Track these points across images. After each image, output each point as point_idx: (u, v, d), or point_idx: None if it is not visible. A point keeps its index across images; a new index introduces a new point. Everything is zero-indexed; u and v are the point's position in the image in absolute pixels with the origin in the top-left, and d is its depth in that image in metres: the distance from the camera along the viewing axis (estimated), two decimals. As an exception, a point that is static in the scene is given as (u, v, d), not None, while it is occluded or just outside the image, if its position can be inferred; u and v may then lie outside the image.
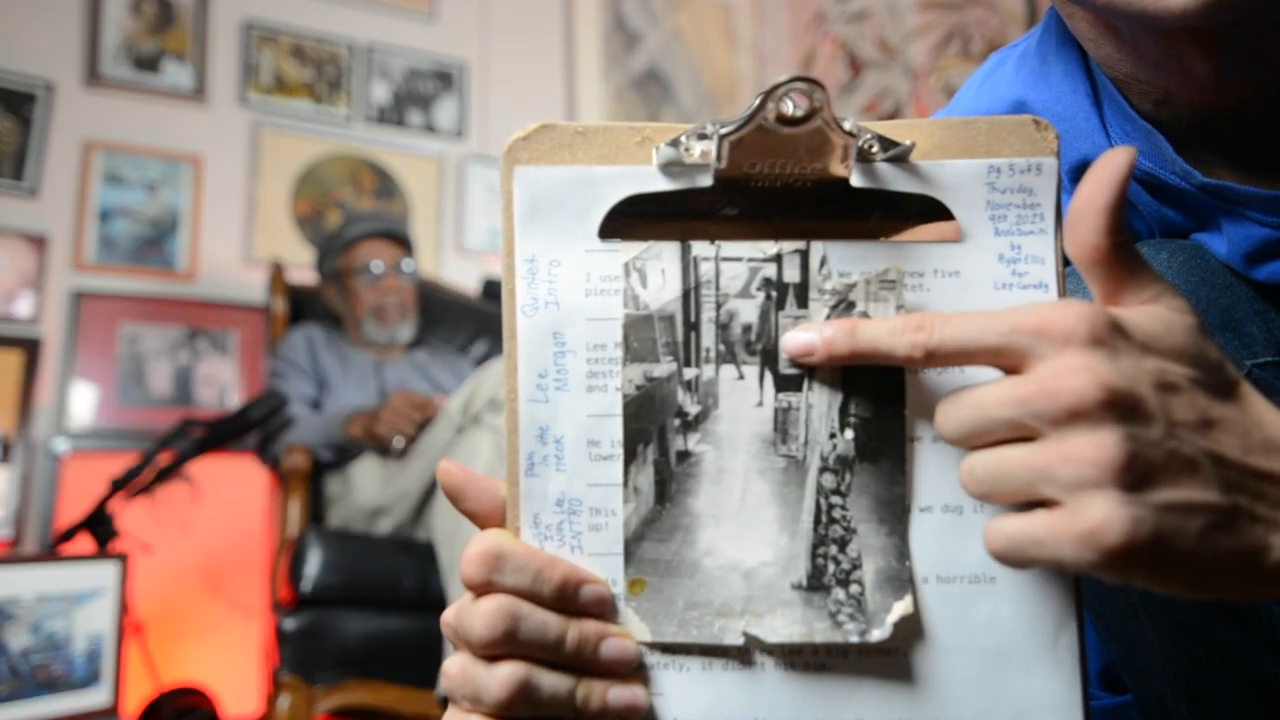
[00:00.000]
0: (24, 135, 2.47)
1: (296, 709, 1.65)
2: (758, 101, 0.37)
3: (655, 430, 0.40)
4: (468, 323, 2.46)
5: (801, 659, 0.39)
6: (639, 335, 0.40)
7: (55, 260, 2.48)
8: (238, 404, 2.44)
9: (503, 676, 0.37)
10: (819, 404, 0.40)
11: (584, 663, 0.38)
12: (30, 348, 2.40)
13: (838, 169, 0.40)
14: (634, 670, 0.39)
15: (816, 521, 0.39)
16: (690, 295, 0.40)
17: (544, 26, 3.23)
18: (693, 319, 0.40)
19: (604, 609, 0.39)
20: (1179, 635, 0.52)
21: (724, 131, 0.38)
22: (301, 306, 2.31)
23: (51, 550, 1.98)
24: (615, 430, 0.40)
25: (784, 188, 0.41)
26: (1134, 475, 0.32)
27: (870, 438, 0.40)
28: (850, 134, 0.39)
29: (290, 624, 1.70)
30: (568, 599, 0.38)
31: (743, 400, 0.40)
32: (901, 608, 0.39)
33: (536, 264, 0.40)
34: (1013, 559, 0.35)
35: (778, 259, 0.40)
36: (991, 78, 0.64)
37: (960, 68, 2.71)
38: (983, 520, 0.39)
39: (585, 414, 0.40)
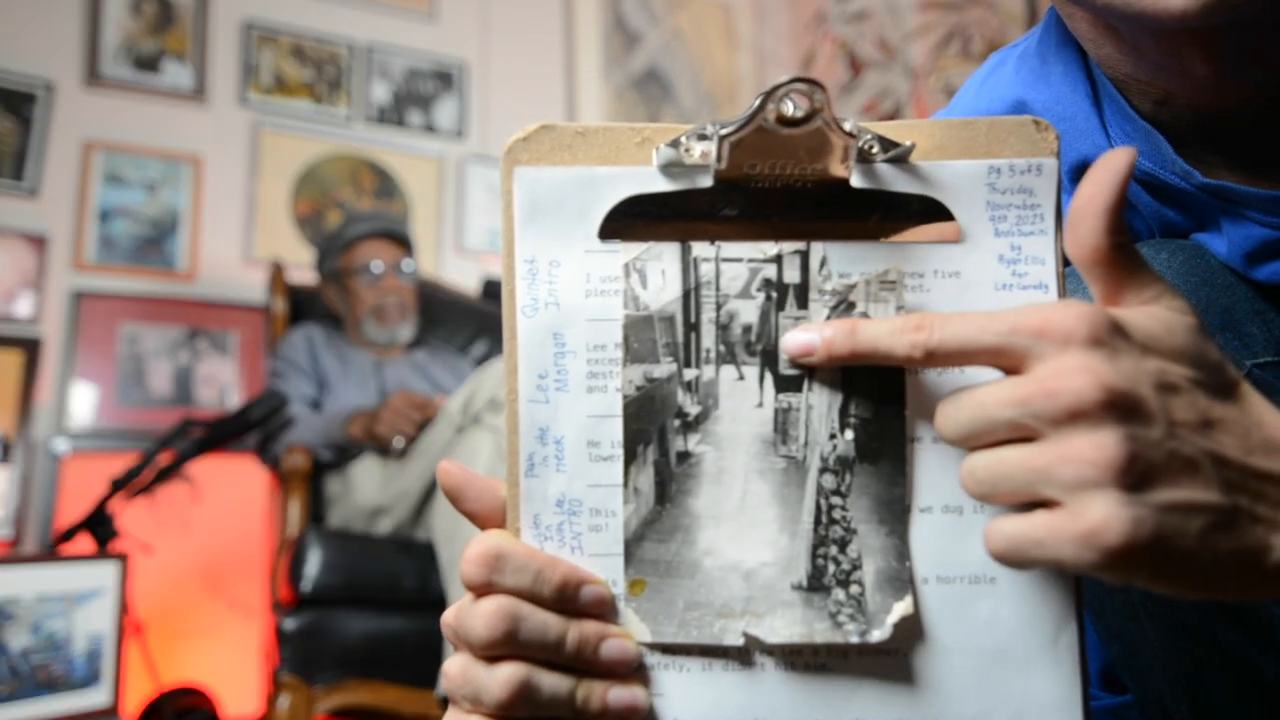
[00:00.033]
0: (24, 135, 2.47)
1: (296, 709, 1.65)
2: (758, 102, 0.37)
3: (655, 431, 0.40)
4: (468, 323, 2.46)
5: (801, 659, 0.39)
6: (639, 336, 0.40)
7: (55, 260, 2.48)
8: (238, 404, 2.44)
9: (503, 677, 0.37)
10: (819, 404, 0.40)
11: (584, 663, 0.38)
12: (30, 348, 2.40)
13: (838, 170, 0.40)
14: (634, 671, 0.39)
15: (816, 522, 0.39)
16: (690, 296, 0.40)
17: (544, 26, 3.23)
18: (693, 320, 0.40)
19: (604, 609, 0.39)
20: (1179, 635, 0.52)
21: (724, 132, 0.38)
22: (301, 306, 2.31)
23: (51, 550, 1.98)
24: (615, 431, 0.40)
25: (784, 188, 0.41)
26: (1134, 475, 0.32)
27: (870, 438, 0.40)
28: (850, 134, 0.39)
29: (290, 624, 1.70)
30: (568, 600, 0.38)
31: (743, 401, 0.40)
32: (901, 608, 0.39)
33: (536, 264, 0.40)
34: (1013, 559, 0.35)
35: (778, 260, 0.40)
36: (991, 78, 0.64)
37: (960, 68, 2.71)
38: (983, 521, 0.39)
39: (585, 415, 0.40)
